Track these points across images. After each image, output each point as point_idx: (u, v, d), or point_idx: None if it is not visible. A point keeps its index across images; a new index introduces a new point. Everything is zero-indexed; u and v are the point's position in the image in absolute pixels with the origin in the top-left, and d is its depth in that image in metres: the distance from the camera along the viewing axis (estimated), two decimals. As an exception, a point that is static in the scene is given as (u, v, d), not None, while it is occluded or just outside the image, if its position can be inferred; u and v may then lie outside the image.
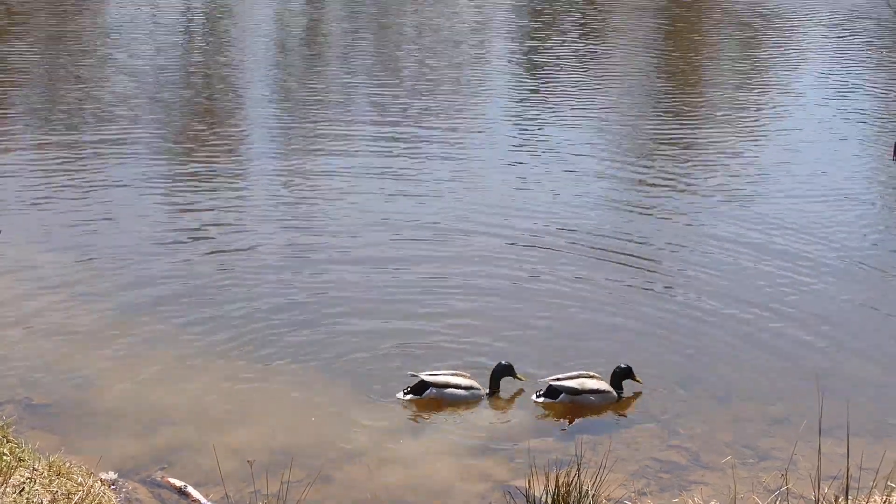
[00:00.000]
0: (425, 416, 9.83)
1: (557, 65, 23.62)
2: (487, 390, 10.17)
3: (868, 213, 15.20)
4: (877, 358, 11.12)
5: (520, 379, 10.22)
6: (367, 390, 10.12)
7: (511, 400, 10.17)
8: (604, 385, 10.11)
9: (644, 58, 25.08)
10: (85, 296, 11.68)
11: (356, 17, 26.78)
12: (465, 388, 10.06)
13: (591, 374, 10.17)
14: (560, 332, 11.33)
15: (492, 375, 10.18)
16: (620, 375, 10.20)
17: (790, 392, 10.32)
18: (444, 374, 10.08)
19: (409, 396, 9.97)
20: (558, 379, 10.04)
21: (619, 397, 10.15)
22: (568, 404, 9.98)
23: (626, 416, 10.00)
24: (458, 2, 30.35)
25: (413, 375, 10.05)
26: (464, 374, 10.19)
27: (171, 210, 14.17)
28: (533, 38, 26.22)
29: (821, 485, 6.43)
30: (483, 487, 8.71)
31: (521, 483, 8.23)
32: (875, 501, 6.70)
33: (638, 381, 10.24)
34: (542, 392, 10.07)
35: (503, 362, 10.21)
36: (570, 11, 28.65)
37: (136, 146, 16.74)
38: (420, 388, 9.99)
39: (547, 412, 9.98)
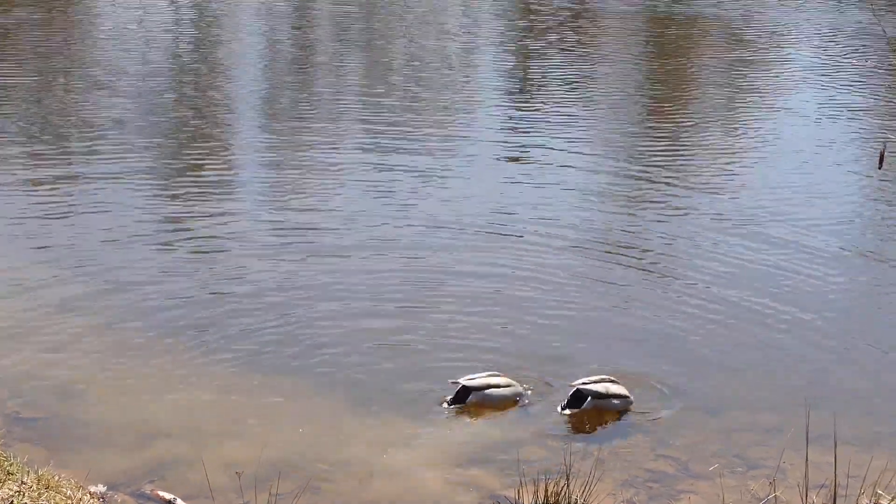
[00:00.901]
0: (414, 428, 9.83)
1: (551, 80, 23.67)
2: (526, 386, 10.29)
3: (859, 228, 15.22)
4: (865, 367, 11.17)
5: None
6: (358, 401, 10.14)
7: (501, 410, 10.18)
8: (624, 390, 10.20)
9: (638, 72, 25.15)
10: (73, 308, 11.67)
11: (346, 40, 26.76)
12: (505, 385, 10.17)
13: (612, 378, 10.26)
14: (548, 342, 11.33)
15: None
16: None
17: (779, 402, 10.35)
18: (483, 377, 10.16)
19: (453, 406, 10.04)
20: (584, 383, 10.12)
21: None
22: (590, 410, 10.03)
23: (615, 427, 10.03)
24: (448, 21, 30.41)
25: (454, 383, 10.10)
26: (499, 373, 10.28)
27: (161, 225, 14.18)
28: (525, 57, 26.28)
29: (809, 493, 6.46)
30: (472, 497, 8.72)
31: (511, 493, 8.25)
32: (863, 509, 6.73)
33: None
34: (566, 403, 10.11)
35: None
36: (561, 31, 28.70)
37: (127, 165, 16.70)
38: (462, 395, 10.06)
39: (555, 420, 10.02)
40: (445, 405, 10.07)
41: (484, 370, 10.33)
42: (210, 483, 7.85)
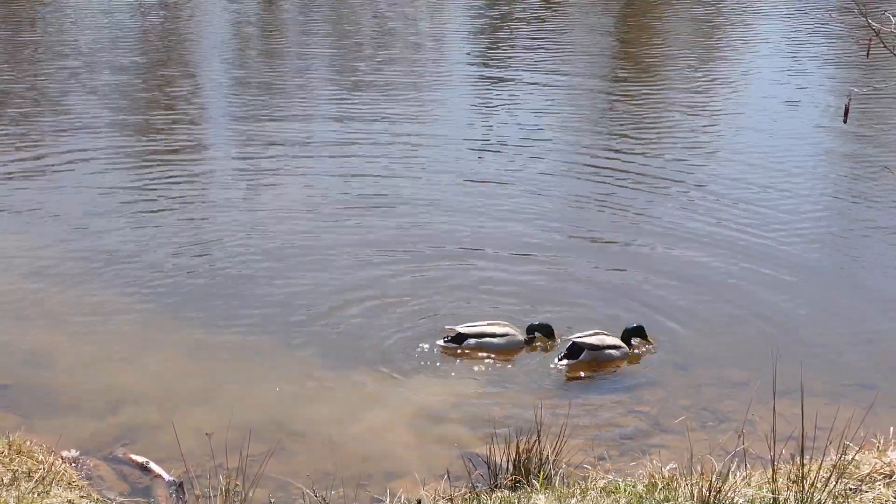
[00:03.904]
0: (386, 386, 9.86)
1: (517, 62, 23.64)
2: (525, 337, 10.51)
3: (824, 182, 15.30)
4: (831, 322, 11.27)
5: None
6: (328, 360, 10.16)
7: (474, 367, 10.21)
8: (619, 341, 10.39)
9: (605, 50, 25.16)
10: (41, 275, 11.63)
11: (313, 35, 26.44)
12: (501, 335, 10.37)
13: (606, 332, 10.44)
14: (521, 299, 11.37)
15: (527, 330, 10.54)
16: (631, 333, 10.47)
17: (747, 356, 10.43)
18: (481, 325, 10.41)
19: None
20: (580, 337, 10.29)
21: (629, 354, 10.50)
22: (589, 362, 10.23)
23: (587, 383, 10.09)
24: (417, 10, 30.25)
25: (450, 328, 10.39)
26: (500, 322, 10.50)
27: (130, 194, 14.16)
28: (491, 49, 26.21)
29: (777, 444, 6.50)
30: (444, 455, 8.74)
31: (483, 450, 8.27)
32: (830, 459, 6.78)
33: (650, 341, 10.51)
34: (563, 355, 10.26)
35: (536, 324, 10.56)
36: (527, 20, 28.65)
37: (97, 138, 16.59)
38: (459, 339, 10.32)
39: (561, 374, 10.18)
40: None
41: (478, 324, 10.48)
42: (181, 446, 7.84)
